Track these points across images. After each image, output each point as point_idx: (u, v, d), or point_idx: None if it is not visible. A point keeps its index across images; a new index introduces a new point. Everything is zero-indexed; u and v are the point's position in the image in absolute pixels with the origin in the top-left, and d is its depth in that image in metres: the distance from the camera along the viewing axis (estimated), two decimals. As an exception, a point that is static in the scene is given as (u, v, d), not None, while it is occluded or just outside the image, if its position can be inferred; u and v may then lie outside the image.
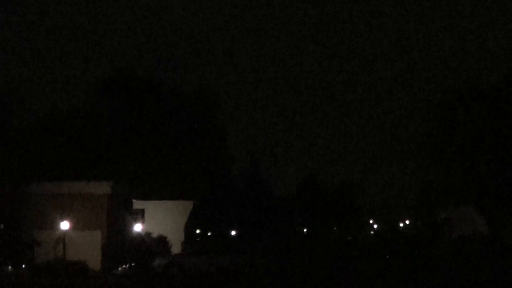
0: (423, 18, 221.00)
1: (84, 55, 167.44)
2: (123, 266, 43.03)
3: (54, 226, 39.88)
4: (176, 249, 53.85)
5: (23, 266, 39.31)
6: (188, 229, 60.49)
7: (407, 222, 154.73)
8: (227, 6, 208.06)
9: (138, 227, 48.86)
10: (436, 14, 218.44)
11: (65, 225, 38.77)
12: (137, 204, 53.14)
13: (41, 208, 41.37)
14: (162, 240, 51.95)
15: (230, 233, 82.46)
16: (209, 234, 76.86)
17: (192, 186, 71.16)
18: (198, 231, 69.13)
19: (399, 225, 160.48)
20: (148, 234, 50.69)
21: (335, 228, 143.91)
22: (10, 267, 38.51)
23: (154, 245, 49.52)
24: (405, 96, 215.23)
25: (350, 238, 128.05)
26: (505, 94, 58.25)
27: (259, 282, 35.17)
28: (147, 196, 59.53)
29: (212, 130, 76.97)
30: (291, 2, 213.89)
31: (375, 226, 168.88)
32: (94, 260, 40.13)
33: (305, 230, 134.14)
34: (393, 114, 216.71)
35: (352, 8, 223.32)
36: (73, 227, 39.69)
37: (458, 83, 62.36)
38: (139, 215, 53.60)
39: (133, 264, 44.06)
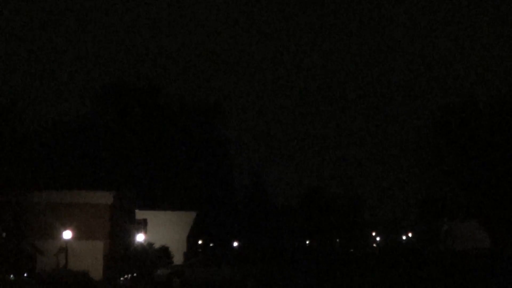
0: (425, 30, 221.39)
1: (88, 64, 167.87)
2: (125, 276, 42.98)
3: (57, 235, 39.87)
4: (178, 259, 53.84)
5: (25, 275, 39.26)
6: (190, 240, 60.51)
7: (410, 235, 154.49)
8: (231, 16, 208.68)
9: (140, 237, 48.85)
10: (441, 27, 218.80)
11: (67, 234, 38.75)
12: (139, 214, 53.15)
13: (43, 218, 41.37)
14: (164, 251, 51.94)
15: (232, 244, 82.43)
16: (211, 244, 76.87)
17: (195, 197, 71.21)
18: (200, 242, 69.18)
19: (402, 238, 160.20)
20: (150, 244, 50.68)
21: (337, 240, 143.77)
22: (12, 276, 38.45)
23: (156, 255, 49.49)
24: (407, 110, 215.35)
25: (352, 250, 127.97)
26: (507, 108, 58.34)
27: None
28: (149, 206, 59.58)
29: (214, 140, 77.08)
30: (296, 12, 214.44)
31: (378, 238, 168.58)
32: (96, 270, 40.09)
33: (307, 242, 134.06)
34: (396, 128, 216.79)
35: (356, 21, 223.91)
36: (76, 237, 39.67)
37: (459, 97, 62.42)
38: (142, 225, 53.57)
39: (135, 275, 44.01)
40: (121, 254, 43.85)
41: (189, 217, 59.45)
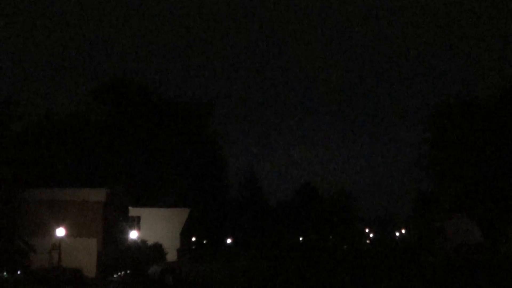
0: (420, 28, 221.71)
1: (81, 62, 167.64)
2: (119, 273, 43.02)
3: (50, 232, 39.88)
4: (171, 256, 53.90)
5: (19, 272, 39.28)
6: (184, 237, 60.52)
7: (403, 231, 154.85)
8: (225, 18, 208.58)
9: (133, 234, 48.89)
10: (435, 26, 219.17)
11: (60, 232, 38.76)
12: (133, 211, 53.19)
13: (37, 215, 41.37)
14: (157, 247, 52.00)
15: (225, 240, 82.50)
16: (204, 241, 76.88)
17: (188, 194, 71.20)
18: (193, 239, 69.18)
19: (395, 234, 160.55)
20: (143, 241, 50.72)
21: (331, 237, 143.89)
22: (5, 273, 38.46)
23: (150, 252, 49.55)
24: (401, 107, 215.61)
25: (345, 246, 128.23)
26: (500, 106, 58.48)
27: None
28: (143, 203, 59.57)
29: (208, 138, 77.04)
30: (288, 13, 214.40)
31: (371, 235, 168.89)
32: (89, 267, 40.13)
33: (300, 238, 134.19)
34: (389, 126, 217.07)
35: (352, 18, 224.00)
36: (69, 234, 39.70)
37: (452, 95, 62.47)
38: (135, 222, 53.67)
39: (128, 271, 44.06)
40: (114, 251, 43.89)
41: (183, 214, 59.50)
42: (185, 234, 60.97)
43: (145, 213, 56.68)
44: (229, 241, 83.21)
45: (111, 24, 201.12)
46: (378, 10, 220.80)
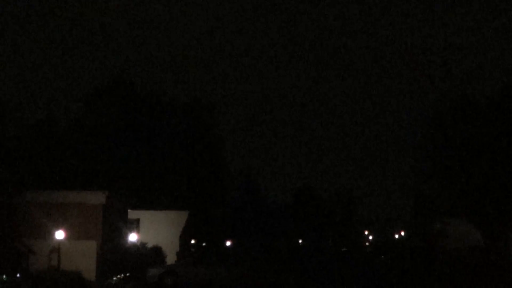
0: (418, 28, 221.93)
1: (80, 64, 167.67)
2: (118, 276, 42.93)
3: (49, 235, 39.76)
4: (171, 259, 53.83)
5: (18, 275, 39.14)
6: (183, 239, 60.45)
7: (403, 233, 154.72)
8: (225, 19, 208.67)
9: (133, 237, 48.79)
10: (434, 25, 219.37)
11: (60, 234, 38.64)
12: (132, 214, 53.10)
13: (35, 218, 41.21)
14: (157, 250, 51.93)
15: (225, 243, 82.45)
16: (204, 244, 76.83)
17: (187, 196, 71.15)
18: (193, 241, 69.09)
19: (395, 237, 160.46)
20: (143, 244, 50.64)
21: (330, 240, 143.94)
22: (4, 276, 38.33)
23: (149, 255, 49.46)
24: (400, 108, 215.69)
25: (345, 249, 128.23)
26: (501, 107, 58.32)
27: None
28: (142, 206, 59.47)
29: (207, 140, 77.02)
30: (288, 18, 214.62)
31: (370, 237, 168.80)
32: (88, 270, 39.99)
33: (300, 241, 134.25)
34: (389, 126, 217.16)
35: (347, 22, 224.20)
36: (68, 237, 39.57)
37: (453, 95, 62.22)
38: (134, 225, 53.57)
39: (128, 274, 43.97)
40: (114, 254, 43.79)
41: (182, 217, 59.44)
42: (184, 237, 60.92)
43: (144, 215, 56.60)
44: (228, 243, 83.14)
45: (110, 24, 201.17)
46: (377, 10, 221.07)
